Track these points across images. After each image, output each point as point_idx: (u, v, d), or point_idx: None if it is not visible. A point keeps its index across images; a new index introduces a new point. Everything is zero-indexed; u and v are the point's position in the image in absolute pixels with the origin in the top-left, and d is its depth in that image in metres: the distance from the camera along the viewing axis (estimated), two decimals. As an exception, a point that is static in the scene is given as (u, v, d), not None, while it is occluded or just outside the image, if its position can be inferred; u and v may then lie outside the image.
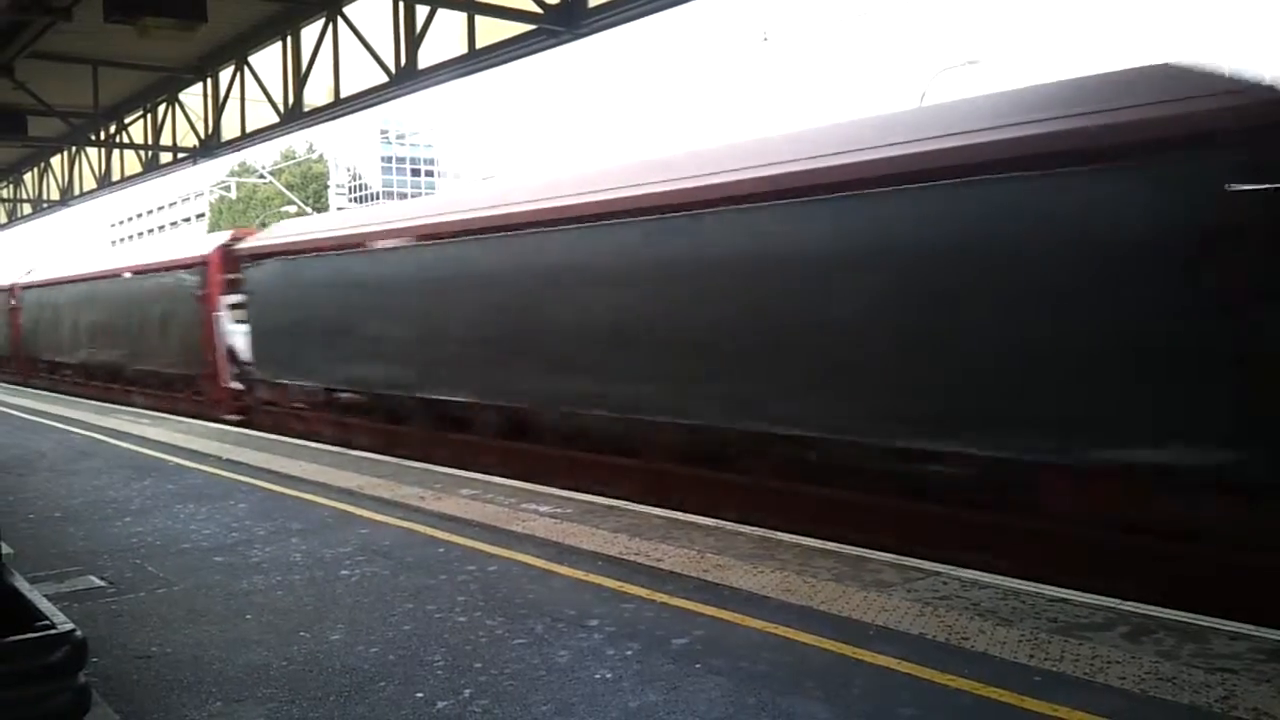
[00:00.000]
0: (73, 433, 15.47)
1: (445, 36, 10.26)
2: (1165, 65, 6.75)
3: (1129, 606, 5.53)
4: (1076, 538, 6.74)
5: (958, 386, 7.24)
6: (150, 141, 16.48)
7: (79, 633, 3.54)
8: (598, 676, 4.81)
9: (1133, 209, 6.38)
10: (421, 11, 10.27)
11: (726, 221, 8.79)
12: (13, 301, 29.24)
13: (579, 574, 6.60)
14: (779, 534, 7.43)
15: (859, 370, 7.84)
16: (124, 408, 19.57)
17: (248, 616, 5.93)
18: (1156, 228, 6.30)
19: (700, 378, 9.05)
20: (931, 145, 7.47)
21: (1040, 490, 7.13)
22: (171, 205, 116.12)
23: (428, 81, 10.60)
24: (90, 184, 19.55)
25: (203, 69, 14.21)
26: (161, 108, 15.96)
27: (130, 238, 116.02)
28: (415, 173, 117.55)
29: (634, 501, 8.88)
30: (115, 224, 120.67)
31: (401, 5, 10.43)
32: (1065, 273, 6.67)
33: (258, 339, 16.55)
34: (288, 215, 48.73)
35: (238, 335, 17.21)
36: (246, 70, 13.45)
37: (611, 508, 8.58)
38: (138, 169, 17.81)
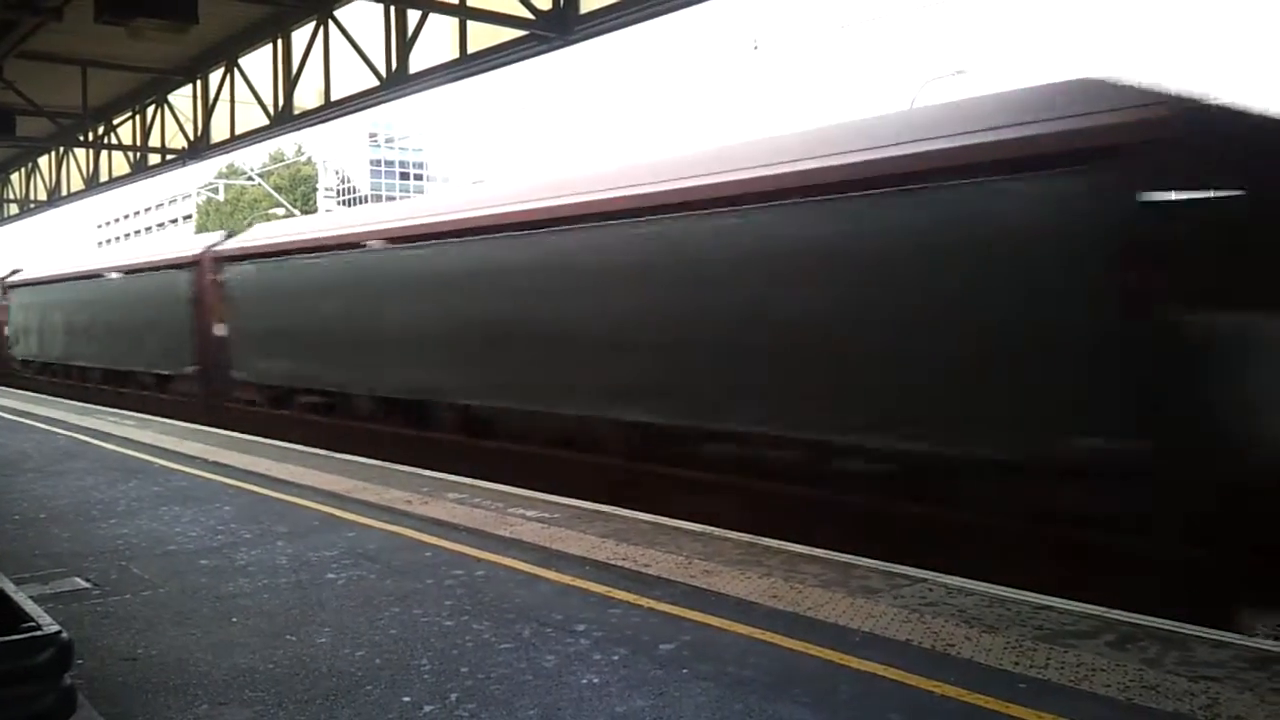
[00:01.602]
0: (57, 434, 15.38)
1: (436, 41, 10.27)
2: None
3: (1115, 615, 5.57)
4: None
5: None
6: (139, 143, 16.43)
7: (65, 634, 3.51)
8: (584, 681, 4.81)
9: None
10: (413, 16, 10.29)
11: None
12: (3, 298, 29.40)
13: (566, 579, 6.61)
14: (766, 540, 7.45)
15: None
16: (109, 409, 19.28)
17: (233, 619, 5.91)
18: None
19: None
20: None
21: None
22: (159, 206, 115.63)
23: (418, 86, 10.61)
24: (78, 185, 19.48)
25: (193, 71, 14.19)
26: (151, 109, 15.93)
27: (117, 239, 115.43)
28: (404, 176, 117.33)
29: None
30: (102, 225, 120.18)
31: (393, 9, 10.44)
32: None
33: (234, 340, 16.96)
34: (276, 218, 48.63)
35: (220, 336, 17.44)
36: (236, 72, 13.44)
37: (599, 512, 8.59)
38: (126, 170, 17.76)
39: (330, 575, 6.84)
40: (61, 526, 8.57)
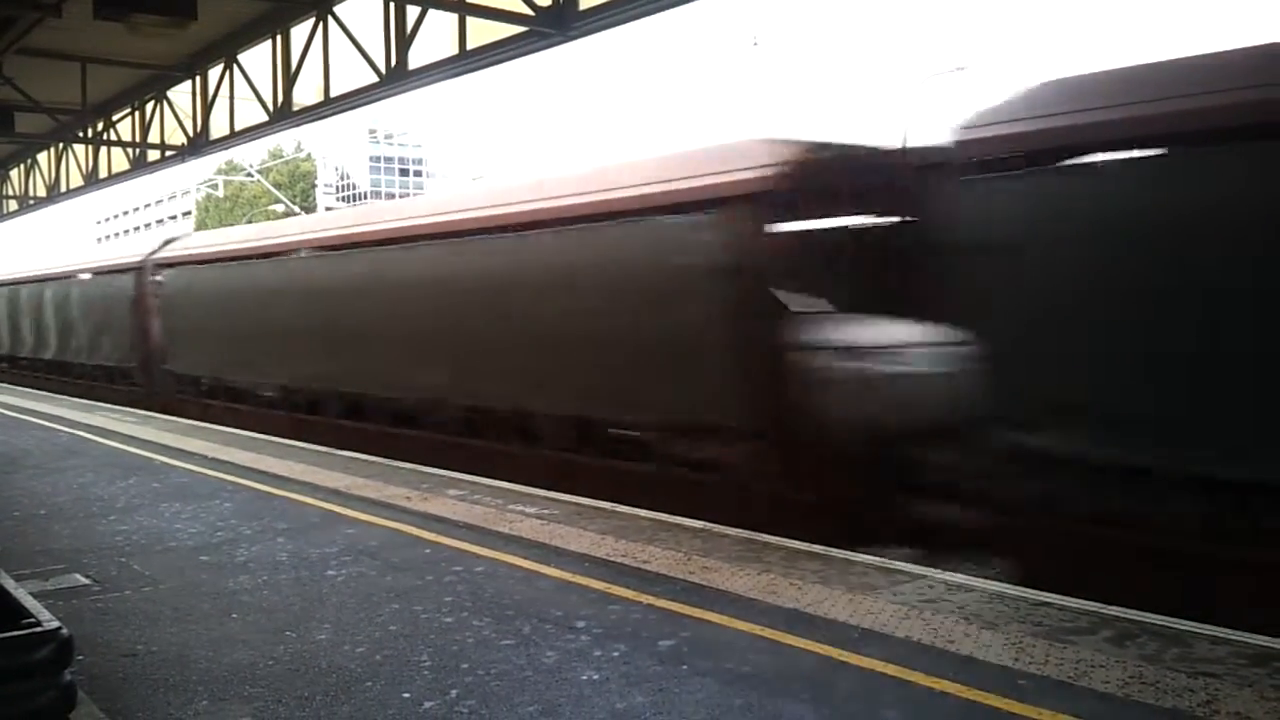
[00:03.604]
0: (58, 430, 15.39)
1: (436, 37, 10.26)
2: None
3: (1113, 611, 5.57)
4: None
5: None
6: (138, 139, 16.41)
7: (65, 630, 3.52)
8: (584, 678, 4.82)
9: None
10: (412, 12, 10.27)
11: None
12: (147, 284, 20.23)
13: (566, 575, 6.61)
14: (765, 536, 7.46)
15: None
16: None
17: (233, 616, 5.92)
18: None
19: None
20: None
21: None
22: (158, 203, 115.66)
23: (418, 82, 10.59)
24: (77, 181, 19.46)
25: (192, 67, 14.17)
26: (150, 105, 15.91)
27: (116, 235, 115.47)
28: (404, 173, 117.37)
29: None
30: (101, 221, 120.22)
31: (392, 6, 10.42)
32: None
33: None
34: (275, 215, 48.33)
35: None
36: (236, 69, 13.42)
37: (599, 509, 8.60)
38: (125, 166, 17.72)
39: (330, 571, 6.85)
40: (62, 523, 8.58)
